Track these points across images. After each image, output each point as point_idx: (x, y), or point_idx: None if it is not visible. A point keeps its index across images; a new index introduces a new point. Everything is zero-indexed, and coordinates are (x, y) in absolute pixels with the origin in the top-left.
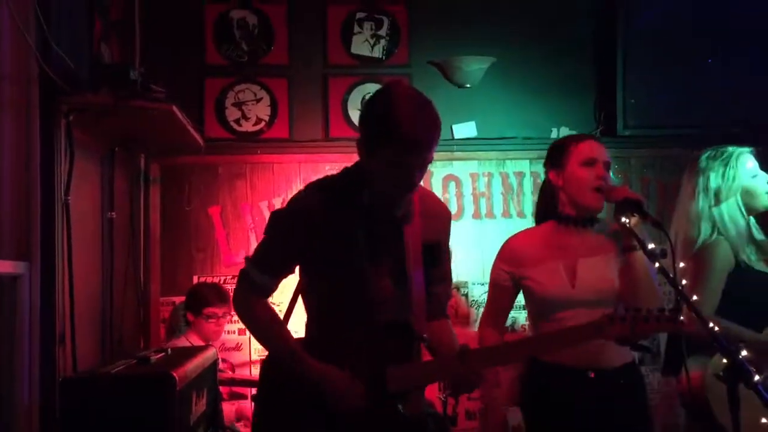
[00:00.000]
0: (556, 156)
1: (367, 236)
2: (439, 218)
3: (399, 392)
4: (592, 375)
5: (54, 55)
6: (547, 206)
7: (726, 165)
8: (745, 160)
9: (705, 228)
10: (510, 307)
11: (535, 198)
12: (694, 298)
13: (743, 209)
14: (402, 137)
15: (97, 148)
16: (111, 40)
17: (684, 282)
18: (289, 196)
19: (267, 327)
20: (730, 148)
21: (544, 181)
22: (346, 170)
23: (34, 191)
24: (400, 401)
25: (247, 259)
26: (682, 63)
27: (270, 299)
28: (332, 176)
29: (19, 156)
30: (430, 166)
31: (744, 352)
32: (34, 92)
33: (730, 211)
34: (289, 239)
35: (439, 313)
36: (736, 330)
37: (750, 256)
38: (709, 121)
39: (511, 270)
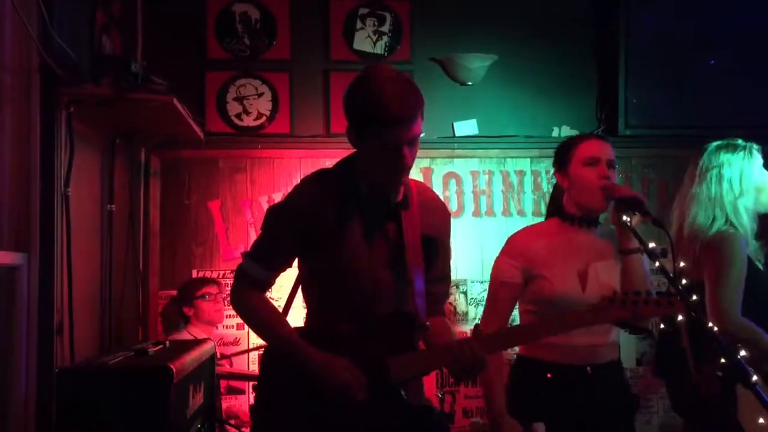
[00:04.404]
0: (560, 157)
1: (363, 225)
2: (438, 213)
3: (402, 381)
4: (590, 370)
5: (55, 45)
6: (556, 207)
7: (742, 158)
8: (757, 156)
9: (719, 216)
10: (513, 307)
11: (535, 197)
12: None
13: (755, 205)
14: (384, 112)
15: (98, 140)
16: (113, 33)
17: (684, 281)
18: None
19: (265, 318)
20: (742, 141)
21: (556, 183)
22: (341, 161)
23: (34, 182)
24: (403, 389)
25: (244, 254)
26: (684, 63)
27: (268, 294)
28: (327, 169)
29: (19, 146)
30: (430, 162)
31: (743, 352)
32: (35, 82)
33: (747, 205)
34: (286, 233)
35: (436, 311)
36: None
37: (751, 253)
38: (710, 121)
39: (523, 266)
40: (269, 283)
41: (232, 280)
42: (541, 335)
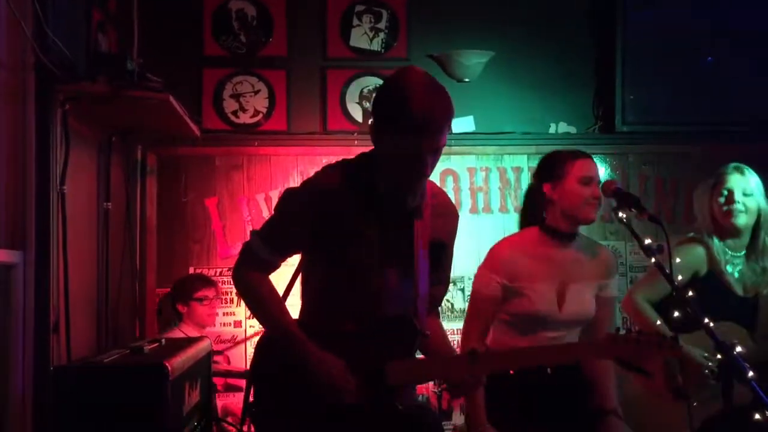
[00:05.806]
0: (553, 169)
1: (377, 225)
2: (449, 218)
3: (398, 387)
4: (550, 371)
5: (51, 43)
6: (533, 214)
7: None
8: (726, 179)
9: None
10: (493, 318)
11: None
12: (690, 293)
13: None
14: (412, 119)
15: (94, 138)
16: (108, 30)
17: (680, 277)
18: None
19: (266, 302)
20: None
21: (532, 190)
22: (362, 156)
23: (29, 180)
24: (396, 396)
25: (253, 232)
26: (680, 59)
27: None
28: (350, 160)
29: (14, 144)
30: None
31: (739, 348)
32: (30, 80)
33: (713, 212)
34: (300, 218)
35: (432, 312)
36: (649, 314)
37: (731, 273)
38: (707, 117)
39: (504, 281)
40: (274, 266)
41: (238, 256)
42: (540, 361)
